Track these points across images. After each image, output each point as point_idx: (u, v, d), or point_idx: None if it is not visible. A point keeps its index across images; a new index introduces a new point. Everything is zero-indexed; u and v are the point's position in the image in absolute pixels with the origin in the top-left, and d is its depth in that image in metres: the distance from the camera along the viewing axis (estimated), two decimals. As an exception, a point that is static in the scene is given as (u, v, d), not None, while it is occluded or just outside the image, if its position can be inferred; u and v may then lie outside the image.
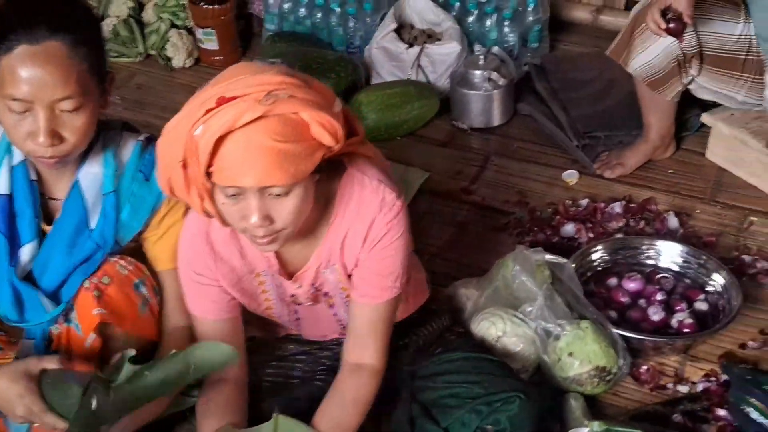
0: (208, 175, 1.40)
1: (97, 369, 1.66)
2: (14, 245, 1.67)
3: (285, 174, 1.38)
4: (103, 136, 1.69)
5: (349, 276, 1.66)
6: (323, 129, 1.41)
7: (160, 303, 1.76)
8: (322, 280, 1.68)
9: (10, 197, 1.65)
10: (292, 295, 1.71)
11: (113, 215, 1.67)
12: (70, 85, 1.52)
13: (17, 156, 1.67)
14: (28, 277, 1.71)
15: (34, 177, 1.66)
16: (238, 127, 1.36)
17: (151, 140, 1.73)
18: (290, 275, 1.66)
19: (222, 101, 1.37)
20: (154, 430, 1.78)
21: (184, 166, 1.41)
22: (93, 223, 1.68)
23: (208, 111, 1.37)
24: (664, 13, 2.22)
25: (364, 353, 1.67)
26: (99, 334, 1.65)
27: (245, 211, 1.43)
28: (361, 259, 1.61)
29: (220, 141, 1.37)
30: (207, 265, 1.63)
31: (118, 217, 1.68)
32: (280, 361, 1.85)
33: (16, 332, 1.77)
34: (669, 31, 2.23)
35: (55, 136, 1.54)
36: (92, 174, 1.67)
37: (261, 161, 1.36)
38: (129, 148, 1.71)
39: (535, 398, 1.73)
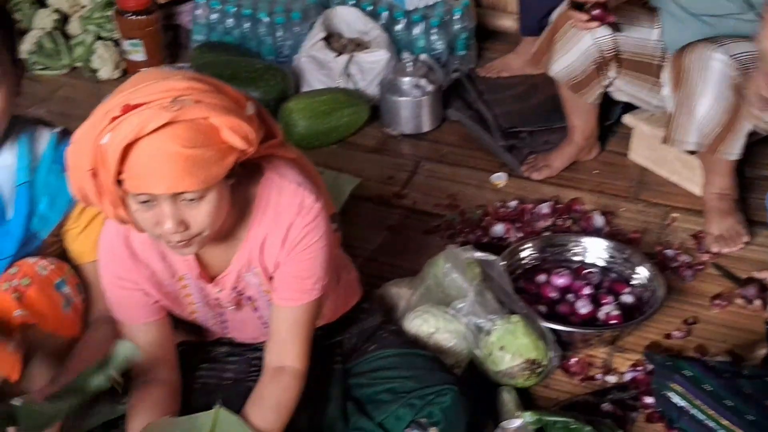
0: (120, 182, 1.39)
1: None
2: None
3: (195, 179, 1.38)
4: (17, 128, 1.67)
5: (271, 279, 1.65)
6: (234, 133, 1.41)
7: (86, 301, 1.74)
8: (244, 284, 1.67)
9: None
10: (216, 299, 1.71)
11: (25, 208, 1.65)
12: None
13: None
14: None
15: None
16: (145, 135, 1.35)
17: (66, 133, 1.71)
18: (212, 279, 1.66)
19: (127, 109, 1.36)
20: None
21: (94, 174, 1.40)
22: (9, 215, 1.66)
23: (113, 119, 1.36)
24: (579, 6, 2.30)
25: (285, 356, 1.66)
26: (21, 335, 1.61)
27: (159, 218, 1.42)
28: (281, 262, 1.61)
29: (128, 149, 1.36)
30: (127, 269, 1.61)
31: (34, 209, 1.66)
32: (212, 363, 1.83)
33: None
34: (594, 18, 2.30)
35: None
36: (6, 166, 1.64)
37: (170, 168, 1.36)
38: (44, 140, 1.69)
39: (467, 391, 1.75)
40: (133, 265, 1.61)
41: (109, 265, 1.64)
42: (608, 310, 2.11)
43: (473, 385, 1.85)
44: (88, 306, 1.76)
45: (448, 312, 2.00)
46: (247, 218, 1.59)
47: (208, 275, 1.65)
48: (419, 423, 1.73)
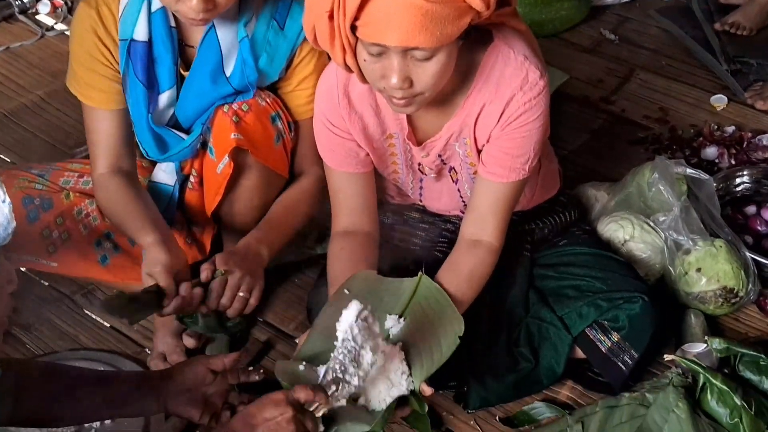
0: (354, 28, 1.36)
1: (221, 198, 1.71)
2: (152, 92, 1.68)
3: (430, 36, 1.33)
4: None
5: (479, 152, 1.61)
6: None
7: (294, 141, 1.76)
8: (450, 152, 1.64)
9: (148, 44, 1.64)
10: (420, 164, 1.69)
11: (251, 60, 1.65)
12: None
13: (156, 2, 1.63)
14: (175, 124, 1.72)
15: (173, 24, 1.64)
16: None
17: None
18: (420, 142, 1.64)
19: None
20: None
21: (330, 16, 1.37)
22: (228, 70, 1.66)
23: None
24: None
25: (482, 231, 1.63)
26: (232, 160, 1.65)
27: (386, 71, 1.39)
28: (494, 136, 1.56)
29: None
30: (342, 118, 1.61)
31: (254, 64, 1.65)
32: (402, 226, 1.83)
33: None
34: None
35: (209, 0, 1.50)
36: (227, 20, 1.63)
37: (408, 20, 1.31)
38: None
39: (658, 303, 1.67)
40: (347, 115, 1.61)
41: (324, 111, 1.64)
42: (821, 255, 1.95)
43: (662, 300, 1.76)
44: (294, 157, 1.79)
45: (647, 222, 1.91)
46: (467, 85, 1.55)
47: (417, 138, 1.64)
48: (602, 325, 1.68)
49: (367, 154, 1.67)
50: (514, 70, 1.51)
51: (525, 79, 1.51)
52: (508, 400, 1.72)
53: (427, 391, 1.46)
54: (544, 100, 1.53)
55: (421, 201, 1.82)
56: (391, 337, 1.50)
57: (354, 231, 1.68)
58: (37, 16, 2.96)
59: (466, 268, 1.60)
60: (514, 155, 1.57)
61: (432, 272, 1.61)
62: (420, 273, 1.57)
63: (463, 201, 1.76)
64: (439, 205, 1.81)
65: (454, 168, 1.69)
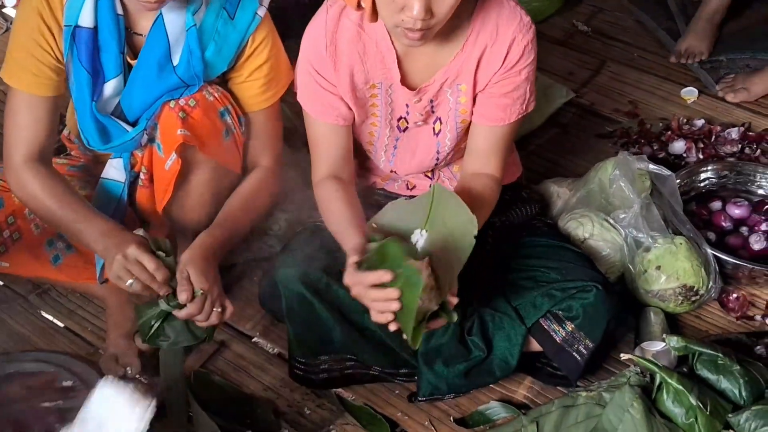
0: None
1: (172, 194, 1.68)
2: (97, 80, 1.64)
3: None
4: None
5: (474, 97, 1.64)
6: None
7: (245, 135, 1.73)
8: (441, 99, 1.65)
9: (94, 31, 1.60)
10: (401, 118, 1.69)
11: (198, 50, 1.62)
12: None
13: None
14: (120, 115, 1.69)
15: (120, 11, 1.60)
16: None
17: None
18: (411, 89, 1.64)
19: None
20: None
21: None
22: (176, 59, 1.63)
23: None
24: None
25: (485, 167, 1.67)
26: (180, 156, 1.63)
27: (408, 2, 1.41)
28: (494, 80, 1.61)
29: None
30: (327, 66, 1.62)
31: (200, 54, 1.62)
32: (367, 211, 1.81)
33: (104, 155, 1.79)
34: None
35: None
36: (176, 9, 1.60)
37: None
38: None
39: (613, 294, 1.65)
40: (333, 63, 1.61)
41: (311, 59, 1.63)
42: (785, 251, 1.94)
43: (621, 295, 1.74)
44: (246, 149, 1.76)
45: (607, 220, 1.89)
46: (460, 34, 1.58)
47: (407, 86, 1.64)
48: (556, 315, 1.66)
49: (348, 108, 1.66)
50: (510, 14, 1.58)
51: (521, 23, 1.58)
52: (459, 389, 1.70)
53: (453, 300, 1.45)
54: (535, 43, 1.61)
55: (391, 164, 1.79)
56: (419, 250, 1.49)
57: (341, 177, 1.68)
58: (3, 9, 2.92)
59: (474, 191, 1.63)
60: (514, 97, 1.63)
61: None
62: (431, 184, 1.60)
63: (438, 158, 1.75)
64: (410, 167, 1.78)
65: (439, 119, 1.69)
